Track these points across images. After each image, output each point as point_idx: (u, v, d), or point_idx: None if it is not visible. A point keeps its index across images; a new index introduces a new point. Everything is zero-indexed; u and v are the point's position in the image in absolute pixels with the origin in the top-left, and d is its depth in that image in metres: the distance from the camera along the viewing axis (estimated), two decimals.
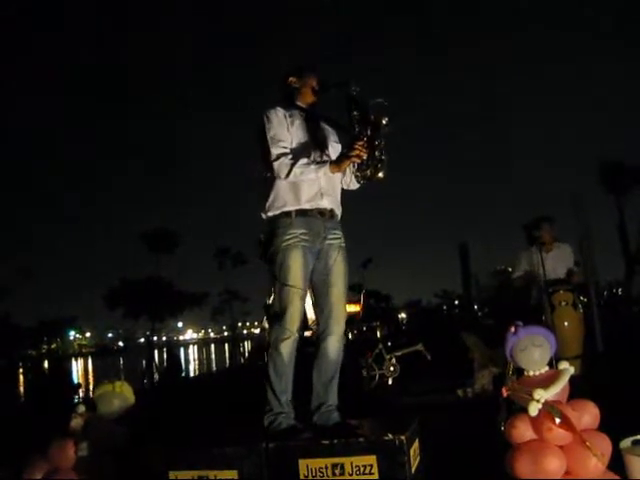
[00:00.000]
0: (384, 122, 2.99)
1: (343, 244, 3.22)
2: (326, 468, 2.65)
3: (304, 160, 3.05)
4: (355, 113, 3.04)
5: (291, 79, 3.31)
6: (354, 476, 2.61)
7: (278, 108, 3.19)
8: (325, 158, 3.17)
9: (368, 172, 3.05)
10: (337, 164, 3.05)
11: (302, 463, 2.69)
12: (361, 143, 2.96)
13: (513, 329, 2.65)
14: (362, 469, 2.61)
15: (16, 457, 3.41)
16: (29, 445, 3.50)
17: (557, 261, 5.99)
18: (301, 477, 2.68)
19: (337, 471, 2.63)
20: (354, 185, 3.29)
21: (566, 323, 5.55)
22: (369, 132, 2.99)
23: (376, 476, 2.60)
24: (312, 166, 3.05)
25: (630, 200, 34.47)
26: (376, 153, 3.00)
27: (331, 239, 3.16)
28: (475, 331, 7.53)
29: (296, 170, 3.01)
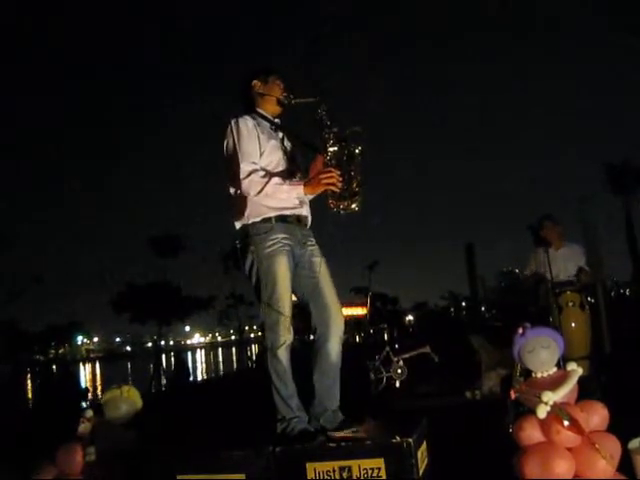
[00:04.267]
0: (357, 151, 2.95)
1: (320, 249, 3.20)
2: (334, 471, 2.64)
3: (276, 179, 2.99)
4: (327, 136, 2.97)
5: (256, 82, 3.23)
6: (362, 479, 2.61)
7: (247, 117, 3.11)
8: (294, 170, 3.15)
9: (344, 203, 2.94)
10: (312, 188, 3.00)
11: (310, 466, 2.68)
12: (338, 173, 2.90)
13: (521, 330, 2.64)
14: (370, 472, 2.60)
15: (24, 462, 3.41)
16: (37, 450, 3.51)
17: (567, 260, 5.94)
18: None
19: (345, 474, 2.62)
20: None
21: (573, 324, 5.52)
22: (344, 160, 2.94)
23: (384, 479, 2.59)
24: (285, 186, 3.00)
25: (637, 200, 34.31)
26: (353, 184, 2.93)
27: (310, 245, 3.16)
28: (482, 333, 7.51)
29: (268, 189, 2.95)
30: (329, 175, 2.91)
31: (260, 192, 2.96)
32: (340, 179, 2.91)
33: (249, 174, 2.98)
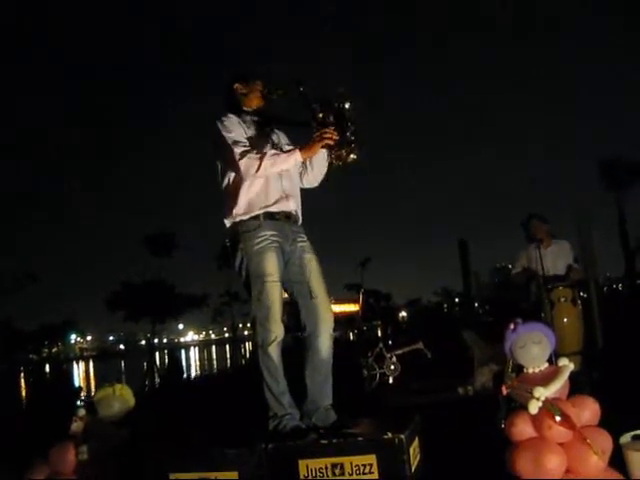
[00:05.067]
0: (347, 106, 2.99)
1: (311, 245, 3.21)
2: (326, 468, 2.64)
3: (272, 151, 3.03)
4: (314, 106, 3.03)
5: (237, 85, 3.27)
6: (354, 476, 2.61)
7: (230, 115, 3.15)
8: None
9: (343, 152, 3.02)
10: (308, 149, 3.02)
11: (302, 463, 2.68)
12: (331, 128, 2.95)
13: (512, 326, 2.64)
14: (362, 469, 2.61)
15: (17, 460, 3.40)
16: (30, 448, 3.50)
17: (556, 257, 5.96)
18: (301, 477, 2.67)
19: (337, 471, 2.63)
20: (316, 181, 3.29)
21: (565, 319, 5.52)
22: (334, 118, 2.99)
23: (376, 475, 2.59)
24: (282, 156, 3.03)
25: (629, 195, 34.35)
26: (347, 134, 2.98)
27: (300, 242, 3.17)
28: (475, 328, 7.52)
29: (266, 162, 2.96)
30: (323, 131, 2.95)
31: (259, 167, 2.97)
32: (335, 133, 2.95)
33: (243, 155, 2.99)
